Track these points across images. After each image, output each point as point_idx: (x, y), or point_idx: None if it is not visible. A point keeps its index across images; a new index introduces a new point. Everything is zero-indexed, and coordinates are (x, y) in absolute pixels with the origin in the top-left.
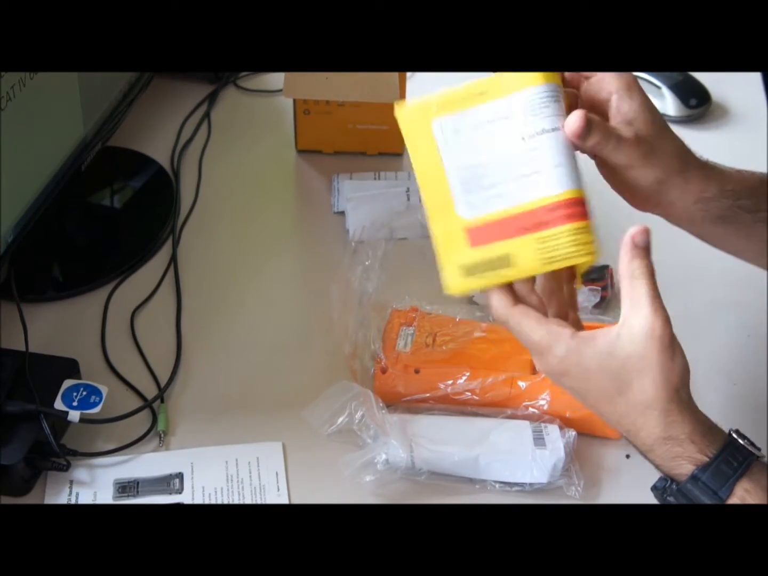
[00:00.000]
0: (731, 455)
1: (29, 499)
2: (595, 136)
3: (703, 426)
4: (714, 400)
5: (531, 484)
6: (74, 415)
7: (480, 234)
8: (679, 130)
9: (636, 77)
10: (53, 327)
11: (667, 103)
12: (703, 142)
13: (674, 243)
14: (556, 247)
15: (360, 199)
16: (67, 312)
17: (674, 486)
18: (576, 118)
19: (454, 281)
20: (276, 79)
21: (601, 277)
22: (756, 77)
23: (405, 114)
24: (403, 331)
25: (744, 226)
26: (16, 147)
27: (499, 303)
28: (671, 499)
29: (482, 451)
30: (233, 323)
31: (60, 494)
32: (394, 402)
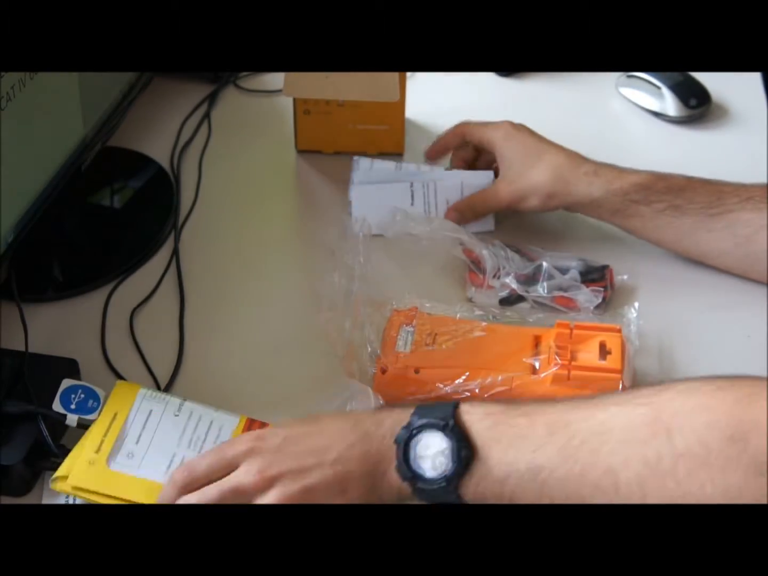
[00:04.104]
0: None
1: (28, 500)
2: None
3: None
4: None
5: None
6: (72, 419)
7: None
8: (679, 130)
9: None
10: (53, 327)
11: (667, 103)
12: (703, 142)
13: None
14: None
15: (365, 191)
16: (67, 312)
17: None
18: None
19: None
20: (276, 79)
21: (601, 277)
22: (756, 77)
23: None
24: (403, 330)
25: (649, 217)
26: (16, 147)
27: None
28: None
29: None
30: (234, 323)
31: (58, 494)
32: (393, 402)
